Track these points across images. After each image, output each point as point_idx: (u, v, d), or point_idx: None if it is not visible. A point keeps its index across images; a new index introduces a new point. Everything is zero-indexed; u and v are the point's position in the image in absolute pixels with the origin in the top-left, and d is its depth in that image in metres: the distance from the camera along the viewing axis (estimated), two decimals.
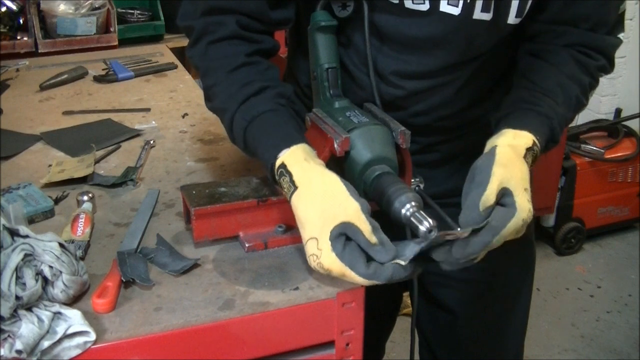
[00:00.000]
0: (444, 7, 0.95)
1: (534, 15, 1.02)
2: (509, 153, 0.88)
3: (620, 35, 1.07)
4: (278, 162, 0.86)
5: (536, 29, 1.05)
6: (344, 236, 0.79)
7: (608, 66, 1.06)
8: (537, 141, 0.91)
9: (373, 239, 0.79)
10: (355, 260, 0.78)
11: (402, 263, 0.78)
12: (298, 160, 0.85)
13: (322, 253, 0.79)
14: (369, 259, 0.79)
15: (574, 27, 1.02)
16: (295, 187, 0.83)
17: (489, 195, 0.84)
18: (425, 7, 0.95)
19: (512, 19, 0.98)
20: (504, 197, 0.84)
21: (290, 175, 0.84)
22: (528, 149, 0.90)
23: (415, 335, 1.17)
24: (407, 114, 1.05)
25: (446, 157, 1.14)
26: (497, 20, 0.97)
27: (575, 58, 1.02)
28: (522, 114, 0.96)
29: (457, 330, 1.31)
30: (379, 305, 1.31)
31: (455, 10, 0.95)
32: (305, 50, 1.04)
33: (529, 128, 0.92)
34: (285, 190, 0.85)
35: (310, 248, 0.80)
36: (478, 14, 0.95)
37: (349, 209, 0.80)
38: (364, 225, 0.79)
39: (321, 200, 0.81)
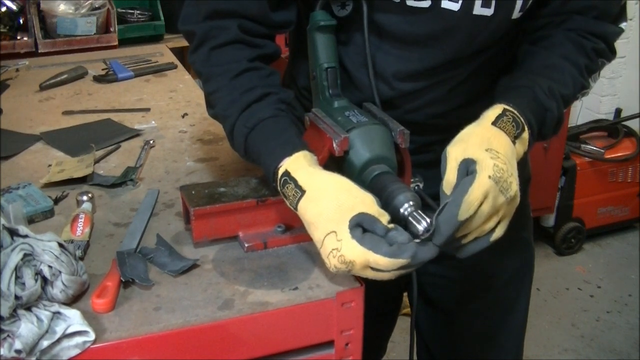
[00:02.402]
0: (445, 3, 0.95)
1: (537, 10, 1.02)
2: (467, 129, 0.88)
3: (623, 25, 1.06)
4: (281, 170, 0.86)
5: (539, 23, 1.05)
6: (360, 228, 0.78)
7: (608, 52, 1.05)
8: (509, 107, 0.90)
9: (391, 225, 0.79)
10: (376, 242, 0.77)
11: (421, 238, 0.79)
12: (302, 166, 0.85)
13: (343, 243, 0.77)
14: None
15: (577, 15, 1.03)
16: (303, 191, 0.83)
17: (449, 175, 0.84)
18: (426, 3, 0.95)
19: (516, 14, 0.98)
20: (470, 167, 0.83)
21: (295, 181, 0.84)
22: (498, 116, 0.89)
23: (414, 335, 1.17)
24: (402, 111, 1.05)
25: None
26: (499, 16, 0.96)
27: (571, 40, 1.02)
28: (497, 95, 0.96)
29: (454, 332, 1.31)
30: (380, 304, 1.31)
31: (455, 6, 0.94)
32: (305, 52, 1.04)
33: (498, 101, 0.92)
34: (291, 197, 0.84)
35: (329, 244, 0.79)
36: (478, 10, 0.95)
37: (366, 200, 0.80)
38: (382, 215, 0.79)
39: (335, 195, 0.80)
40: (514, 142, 0.89)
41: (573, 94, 1.01)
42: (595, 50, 1.03)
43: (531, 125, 0.92)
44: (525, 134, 0.91)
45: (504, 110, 0.90)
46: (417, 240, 0.79)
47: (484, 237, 0.85)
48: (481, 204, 0.81)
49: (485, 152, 0.83)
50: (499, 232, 0.85)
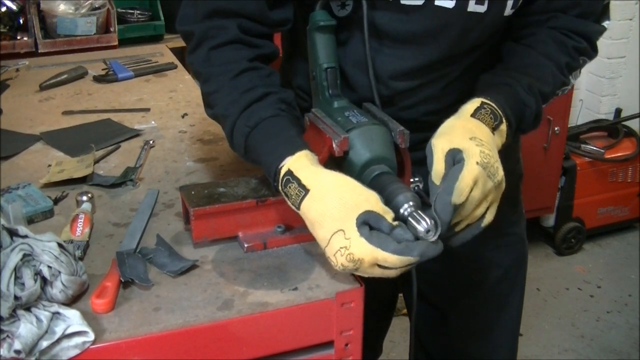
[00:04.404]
0: (439, 1, 0.95)
1: (523, 9, 1.03)
2: (448, 122, 0.91)
3: (606, 23, 1.08)
4: (283, 170, 0.86)
5: (526, 21, 1.07)
6: (367, 225, 0.79)
7: (590, 50, 1.07)
8: (487, 101, 0.92)
9: (395, 223, 0.79)
10: (383, 240, 0.77)
11: (431, 238, 0.78)
12: (305, 165, 0.85)
13: (352, 241, 0.77)
14: None
15: (561, 13, 1.05)
16: (307, 190, 0.83)
17: (437, 166, 0.85)
18: (419, 1, 0.96)
19: (508, 11, 0.99)
20: (456, 157, 0.85)
21: (299, 180, 0.84)
22: (477, 109, 0.91)
23: (414, 335, 1.17)
24: (397, 109, 1.06)
25: None
26: (491, 12, 0.98)
27: (553, 38, 1.04)
28: (477, 90, 0.98)
29: (448, 328, 1.32)
30: (375, 304, 1.30)
31: (450, 4, 0.95)
32: (300, 51, 1.04)
33: (477, 95, 0.94)
34: (293, 196, 0.84)
35: (336, 242, 0.79)
36: (472, 7, 0.96)
37: (370, 198, 0.80)
38: (386, 212, 0.80)
39: (339, 194, 0.81)
40: (492, 133, 0.91)
41: (552, 91, 1.03)
42: (576, 48, 1.05)
43: (509, 119, 0.94)
44: (503, 126, 0.93)
45: (482, 103, 0.93)
46: (433, 239, 0.79)
47: (475, 223, 0.87)
48: (471, 190, 0.82)
49: (470, 141, 0.86)
50: (489, 217, 0.87)
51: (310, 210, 0.82)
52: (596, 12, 1.06)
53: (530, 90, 0.98)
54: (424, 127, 1.08)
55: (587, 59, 1.08)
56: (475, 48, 1.04)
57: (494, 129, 0.92)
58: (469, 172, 0.82)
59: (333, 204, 0.80)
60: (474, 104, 0.93)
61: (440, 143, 0.87)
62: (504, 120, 0.93)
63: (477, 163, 0.83)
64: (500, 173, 0.86)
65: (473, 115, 0.91)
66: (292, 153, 0.87)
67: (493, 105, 0.93)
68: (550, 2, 1.04)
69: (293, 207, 0.85)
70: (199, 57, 0.98)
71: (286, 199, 0.87)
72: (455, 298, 1.28)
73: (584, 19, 1.04)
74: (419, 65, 1.02)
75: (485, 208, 0.86)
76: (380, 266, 0.78)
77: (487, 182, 0.84)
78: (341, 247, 0.78)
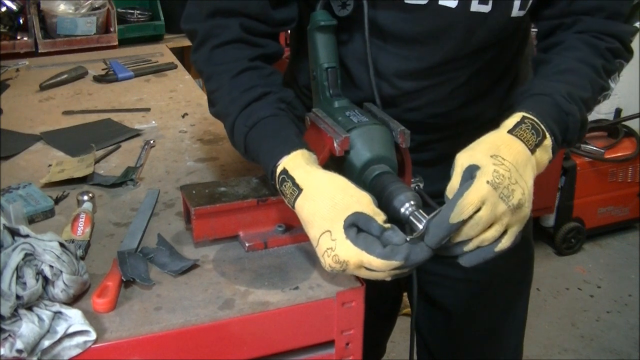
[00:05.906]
0: (442, 0, 0.95)
1: (542, 12, 1.02)
2: (482, 137, 0.87)
3: (637, 24, 1.04)
4: (279, 169, 0.86)
5: (548, 26, 1.04)
6: (355, 227, 0.78)
7: (624, 51, 1.03)
8: (529, 115, 0.88)
9: (387, 225, 0.79)
10: (370, 243, 0.77)
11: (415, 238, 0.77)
12: (300, 165, 0.85)
13: (337, 243, 0.77)
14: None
15: (587, 16, 1.01)
16: (300, 190, 0.83)
17: (453, 181, 0.83)
18: (423, 1, 0.95)
19: (515, 12, 0.97)
20: (473, 173, 0.81)
21: (293, 179, 0.84)
22: (517, 124, 0.86)
23: (414, 335, 1.17)
24: (401, 110, 1.05)
25: (442, 155, 1.12)
26: (496, 13, 0.97)
27: (584, 42, 1.00)
28: (516, 104, 0.94)
29: (454, 330, 1.31)
30: (379, 304, 1.31)
31: (453, 3, 0.95)
32: (306, 49, 1.04)
33: (518, 109, 0.90)
34: (288, 195, 0.84)
35: (323, 243, 0.79)
36: (476, 6, 0.95)
37: (362, 199, 0.80)
38: (377, 214, 0.79)
39: (331, 194, 0.80)
40: (533, 150, 0.86)
41: (593, 96, 0.98)
42: (610, 50, 1.00)
43: (553, 132, 0.89)
44: (547, 141, 0.88)
45: (523, 117, 0.87)
46: (408, 239, 0.78)
47: (488, 246, 0.82)
48: (479, 209, 0.79)
49: (489, 159, 0.82)
50: (505, 243, 0.83)
51: (303, 209, 0.82)
52: (624, 13, 1.01)
53: (571, 98, 0.93)
54: (429, 129, 1.08)
55: (624, 62, 1.04)
56: (481, 51, 1.02)
57: (536, 145, 0.86)
58: (476, 190, 0.78)
59: (324, 204, 0.80)
60: (514, 118, 0.88)
61: (462, 158, 0.84)
62: (547, 135, 0.88)
63: (488, 182, 0.79)
64: (517, 196, 0.80)
65: (511, 130, 0.86)
66: (288, 152, 0.87)
67: (535, 119, 0.87)
68: (571, 4, 1.00)
69: (289, 206, 0.85)
70: (202, 55, 0.99)
71: (283, 197, 0.87)
72: (461, 300, 1.28)
73: (612, 20, 1.01)
74: (423, 66, 1.01)
75: (498, 232, 0.81)
76: (367, 269, 0.78)
77: (498, 203, 0.79)
78: (328, 248, 0.78)
